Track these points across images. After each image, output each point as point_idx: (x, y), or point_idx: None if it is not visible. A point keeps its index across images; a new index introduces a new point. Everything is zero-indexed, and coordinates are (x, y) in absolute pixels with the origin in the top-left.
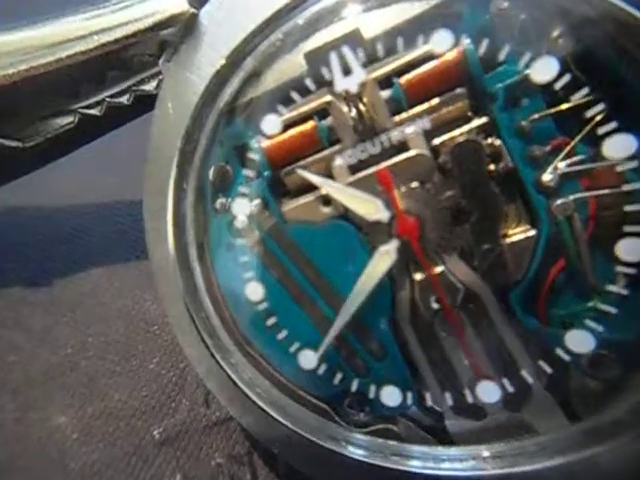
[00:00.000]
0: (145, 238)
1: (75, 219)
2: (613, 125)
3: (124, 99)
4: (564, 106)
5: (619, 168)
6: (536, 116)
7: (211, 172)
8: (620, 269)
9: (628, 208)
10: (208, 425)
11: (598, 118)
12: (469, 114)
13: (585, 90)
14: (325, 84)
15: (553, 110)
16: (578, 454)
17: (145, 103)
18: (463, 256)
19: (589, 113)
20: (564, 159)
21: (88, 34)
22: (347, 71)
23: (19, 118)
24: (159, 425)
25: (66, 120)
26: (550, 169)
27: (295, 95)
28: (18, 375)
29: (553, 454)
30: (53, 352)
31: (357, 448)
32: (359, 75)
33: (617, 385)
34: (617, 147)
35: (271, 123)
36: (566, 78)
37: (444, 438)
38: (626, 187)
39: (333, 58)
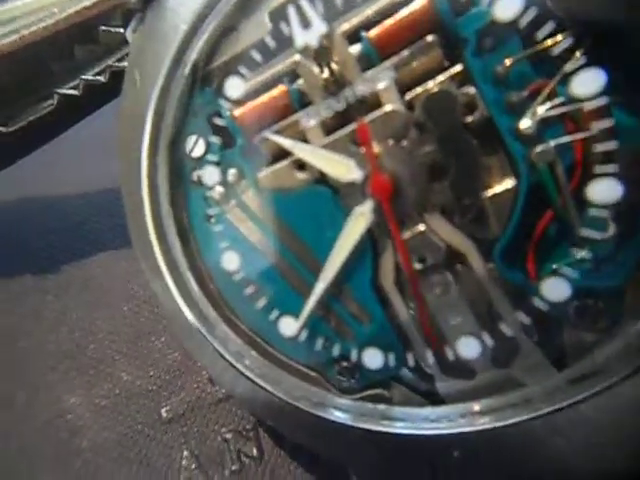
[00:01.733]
0: (126, 216)
1: (81, 207)
2: (581, 61)
3: (101, 77)
4: (539, 46)
5: (588, 106)
6: (510, 60)
7: (187, 143)
8: (593, 212)
9: (598, 148)
10: (214, 402)
11: (578, 54)
12: (445, 64)
13: (551, 25)
14: (285, 41)
15: (527, 52)
16: (563, 402)
17: (122, 81)
18: (444, 213)
19: (556, 50)
20: (543, 103)
21: (47, 6)
22: (306, 24)
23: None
24: (166, 403)
25: (46, 102)
26: (528, 115)
27: (257, 56)
28: (29, 359)
29: (540, 404)
30: (63, 336)
31: (345, 413)
32: (319, 27)
33: (603, 333)
34: (586, 83)
35: (235, 87)
36: (532, 13)
37: (435, 399)
38: (596, 125)
39: (291, 12)
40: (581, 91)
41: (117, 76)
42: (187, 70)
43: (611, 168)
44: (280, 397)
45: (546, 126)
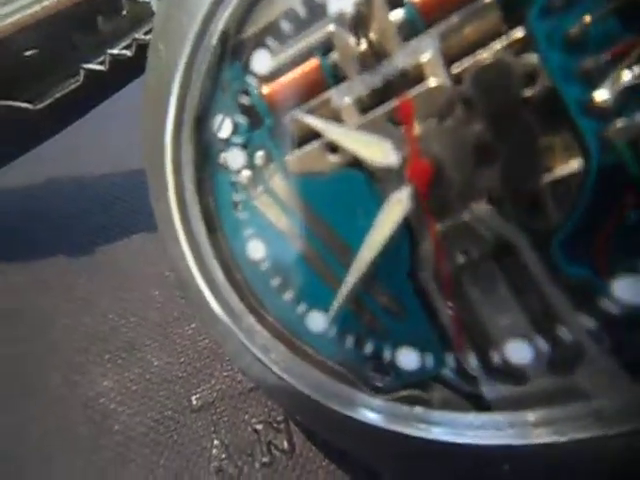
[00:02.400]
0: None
1: (114, 187)
2: None
3: (128, 51)
4: None
5: None
6: (590, 17)
7: (214, 122)
8: None
9: None
10: (244, 391)
11: None
12: (504, 29)
13: None
14: (318, 8)
15: (615, 4)
16: (636, 422)
17: None
18: (493, 201)
19: None
20: (631, 67)
21: None
22: None
23: (26, 80)
24: (196, 391)
25: (73, 78)
26: (608, 83)
27: (286, 26)
28: (63, 341)
29: (613, 420)
30: (96, 318)
31: (377, 414)
32: None
33: None
34: None
35: (262, 62)
36: None
37: (481, 405)
38: None
39: None
40: None
41: (145, 50)
42: (214, 41)
43: None
44: (307, 394)
45: (631, 96)
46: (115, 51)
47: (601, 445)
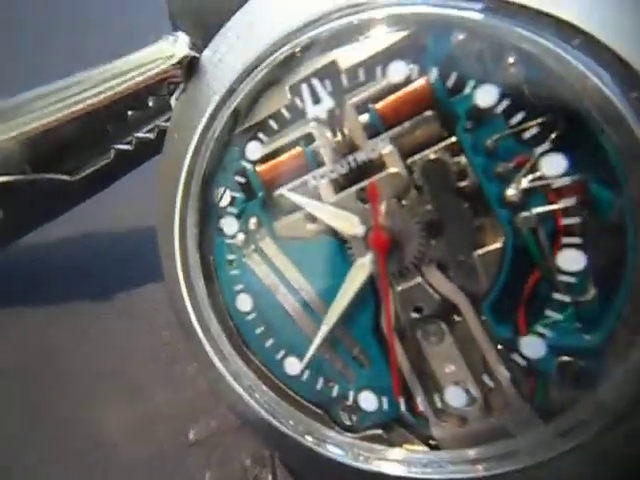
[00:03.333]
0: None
1: (135, 240)
2: (546, 145)
3: (150, 135)
4: (514, 130)
5: (555, 185)
6: (496, 136)
7: (216, 193)
8: (562, 278)
9: (566, 221)
10: (236, 427)
11: (554, 135)
12: (444, 134)
13: (522, 114)
14: (299, 113)
15: (508, 132)
16: (547, 455)
17: None
18: (440, 268)
19: (527, 135)
20: (527, 174)
21: (107, 80)
22: (317, 100)
23: (67, 157)
24: (193, 427)
25: (104, 156)
26: (514, 184)
27: (274, 124)
28: (75, 377)
29: (525, 456)
30: (104, 357)
31: (344, 451)
32: (327, 103)
33: (584, 389)
34: (551, 165)
35: (254, 151)
36: (506, 103)
37: (433, 444)
38: (563, 202)
39: (304, 88)
40: (548, 172)
41: (164, 133)
42: (217, 134)
43: (577, 240)
44: (286, 432)
45: (529, 195)
46: (140, 134)
47: (520, 478)
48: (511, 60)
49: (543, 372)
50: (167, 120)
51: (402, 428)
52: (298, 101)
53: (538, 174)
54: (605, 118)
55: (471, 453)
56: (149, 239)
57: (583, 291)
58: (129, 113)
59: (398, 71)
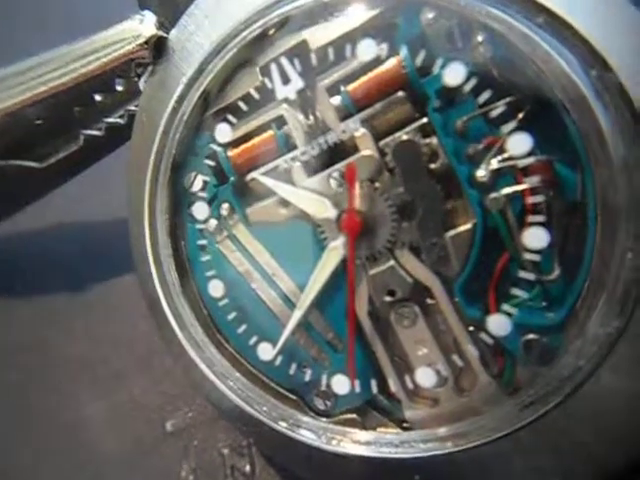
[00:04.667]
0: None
1: (110, 233)
2: (513, 124)
3: (121, 120)
4: (482, 109)
5: (521, 164)
6: (466, 117)
7: (187, 179)
8: (527, 256)
9: (531, 200)
10: (214, 418)
11: (521, 115)
12: (415, 116)
13: (489, 92)
14: (268, 93)
15: (477, 112)
16: (509, 429)
17: None
18: (412, 250)
19: (493, 114)
20: (495, 155)
21: (72, 61)
22: (286, 80)
23: (35, 143)
24: (171, 418)
25: (74, 142)
26: (484, 165)
27: (243, 106)
28: (57, 368)
29: (490, 431)
30: (87, 349)
31: (317, 436)
32: (297, 83)
33: (546, 365)
34: (518, 144)
35: (224, 133)
36: (473, 81)
37: (405, 425)
38: (527, 181)
39: (273, 69)
40: (514, 151)
41: (133, 117)
42: (186, 116)
43: (541, 218)
44: (260, 417)
45: (498, 176)
46: (110, 120)
47: (481, 451)
48: (479, 39)
49: (510, 350)
50: (137, 105)
51: (376, 412)
52: (268, 82)
53: (506, 155)
54: (567, 97)
55: (441, 431)
56: (124, 229)
57: (548, 270)
58: (96, 97)
59: (368, 50)
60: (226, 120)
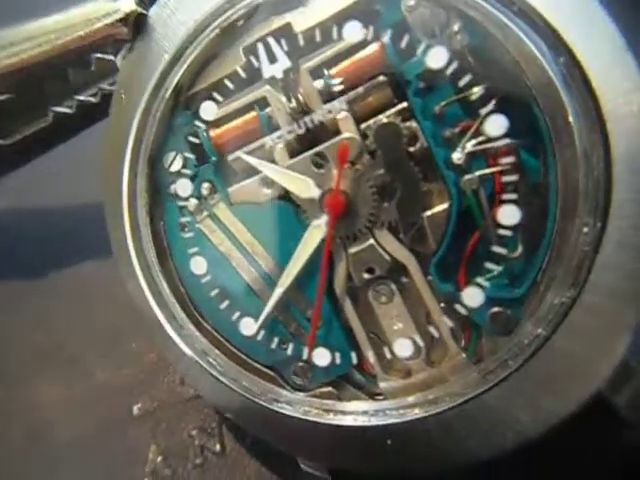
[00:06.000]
0: (106, 222)
1: (70, 218)
2: (491, 107)
3: (93, 98)
4: (462, 93)
5: (498, 144)
6: (444, 102)
7: (166, 158)
8: (501, 232)
9: (504, 179)
10: (182, 401)
11: (492, 104)
12: (395, 100)
13: (468, 77)
14: (255, 72)
15: (455, 97)
16: (472, 394)
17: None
18: (392, 230)
19: (473, 97)
20: (470, 139)
21: (45, 34)
22: (272, 59)
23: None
24: (137, 401)
25: (42, 119)
26: (459, 148)
27: (230, 84)
28: (10, 355)
29: (456, 397)
30: (44, 334)
31: (296, 407)
32: (283, 63)
33: (509, 334)
34: (494, 126)
35: (209, 111)
36: (454, 65)
37: (378, 396)
38: (504, 160)
39: (260, 48)
40: (491, 132)
41: (108, 98)
42: (168, 94)
43: (513, 196)
44: (240, 392)
45: (472, 159)
46: (82, 97)
47: (448, 416)
48: (456, 27)
49: (477, 323)
50: (112, 84)
51: (349, 385)
52: (254, 60)
53: (480, 138)
54: (538, 83)
55: (410, 399)
56: (83, 216)
57: (513, 248)
58: (70, 72)
59: (353, 31)
60: (212, 98)
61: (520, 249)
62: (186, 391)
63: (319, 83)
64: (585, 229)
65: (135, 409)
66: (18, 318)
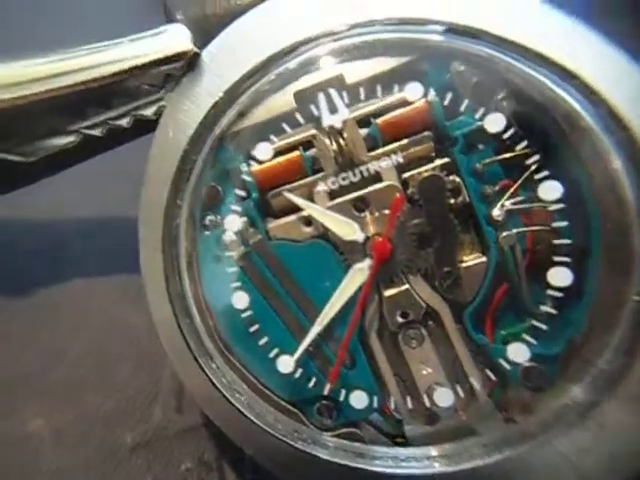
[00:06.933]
0: (139, 247)
1: (58, 233)
2: (545, 173)
3: (124, 122)
4: (508, 155)
5: (551, 208)
6: (487, 160)
7: (203, 191)
8: (550, 292)
9: (556, 242)
10: (179, 431)
11: (534, 167)
12: (432, 154)
13: (524, 143)
14: (313, 119)
15: (500, 157)
16: (512, 452)
17: (143, 127)
18: (426, 277)
19: (528, 162)
20: (509, 198)
21: (101, 64)
22: (333, 110)
23: (25, 136)
24: (132, 430)
25: (70, 139)
26: (498, 205)
27: (286, 126)
28: None
29: (492, 452)
30: (29, 358)
31: (325, 449)
32: (343, 113)
33: (545, 392)
34: (548, 191)
35: (263, 149)
36: (510, 131)
37: (401, 441)
38: (554, 224)
39: (321, 98)
40: (545, 196)
41: (139, 122)
42: (217, 132)
43: (566, 259)
44: (266, 429)
45: (510, 216)
46: (114, 122)
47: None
48: (503, 94)
49: (509, 375)
50: (140, 108)
51: (370, 427)
52: (313, 107)
53: (519, 198)
54: (590, 150)
55: (435, 450)
56: (73, 231)
57: (555, 305)
58: (114, 102)
59: (415, 91)
60: (267, 139)
61: (555, 308)
62: (183, 421)
63: (365, 131)
64: (636, 297)
65: (129, 439)
66: (5, 340)
